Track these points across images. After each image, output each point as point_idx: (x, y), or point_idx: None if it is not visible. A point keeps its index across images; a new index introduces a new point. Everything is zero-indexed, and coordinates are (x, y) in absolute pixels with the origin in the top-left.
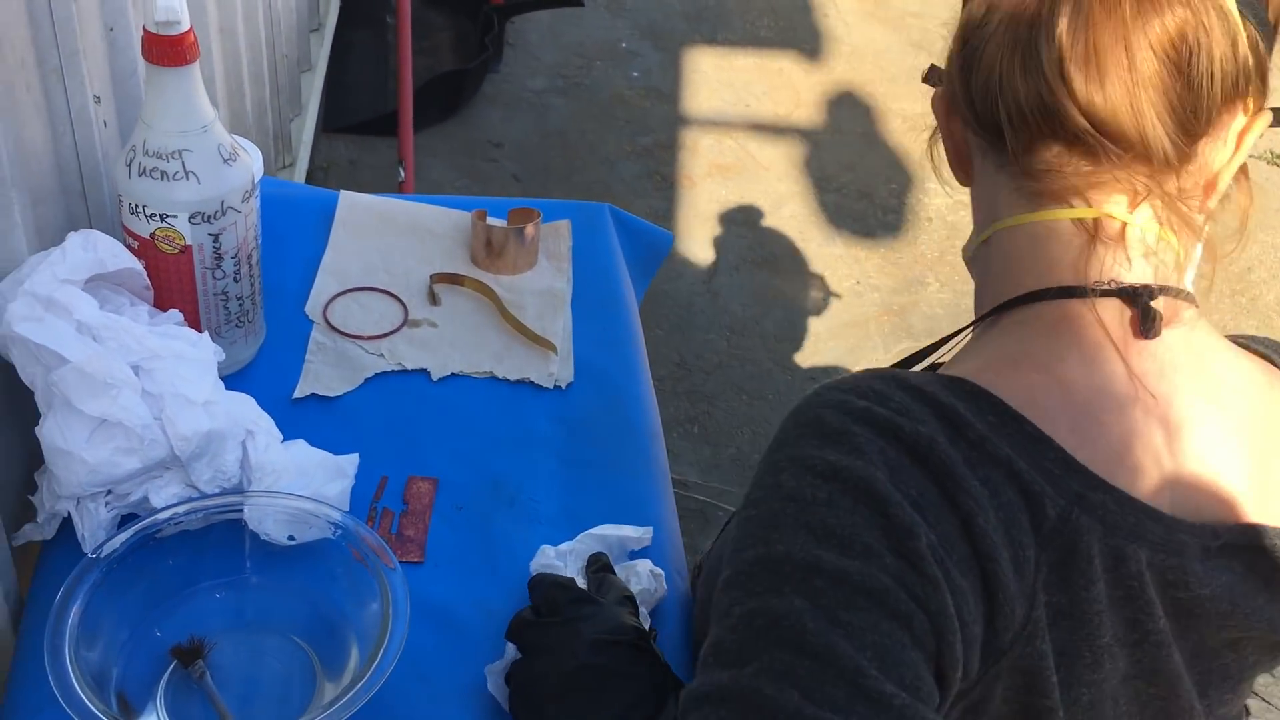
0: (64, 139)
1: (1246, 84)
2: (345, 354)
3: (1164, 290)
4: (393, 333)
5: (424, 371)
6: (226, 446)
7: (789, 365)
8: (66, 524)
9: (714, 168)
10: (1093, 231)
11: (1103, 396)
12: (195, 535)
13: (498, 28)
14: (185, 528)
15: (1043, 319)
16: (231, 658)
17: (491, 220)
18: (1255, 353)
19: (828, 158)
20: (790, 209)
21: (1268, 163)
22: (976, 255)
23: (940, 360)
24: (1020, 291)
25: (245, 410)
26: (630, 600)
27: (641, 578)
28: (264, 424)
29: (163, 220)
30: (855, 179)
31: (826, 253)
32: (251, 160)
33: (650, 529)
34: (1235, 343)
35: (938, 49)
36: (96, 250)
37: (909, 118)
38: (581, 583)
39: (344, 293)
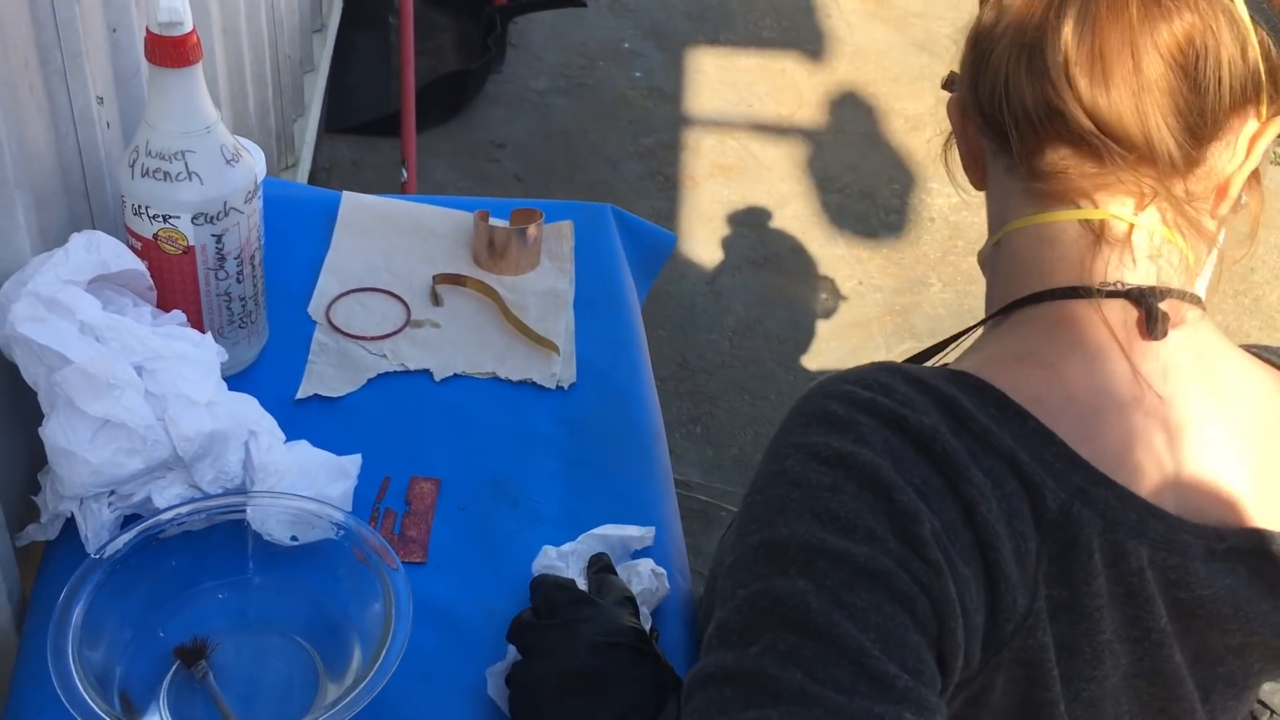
0: (67, 140)
1: (1257, 90)
2: (348, 354)
3: (1170, 292)
4: (395, 333)
5: (426, 372)
6: (229, 447)
7: (791, 366)
8: (70, 524)
9: (716, 168)
10: (1099, 232)
11: (1106, 395)
12: (198, 536)
13: (500, 28)
14: (188, 528)
15: (1048, 318)
16: (234, 658)
17: (494, 221)
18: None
19: (830, 158)
20: (793, 209)
21: (1270, 162)
22: (989, 258)
23: (946, 360)
24: (1026, 291)
25: (248, 411)
26: (630, 601)
27: (643, 577)
28: (267, 424)
29: (166, 221)
30: (858, 179)
31: (829, 253)
32: (254, 161)
33: (652, 529)
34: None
35: (941, 49)
36: (99, 251)
37: (911, 118)
38: (582, 583)
39: (347, 293)
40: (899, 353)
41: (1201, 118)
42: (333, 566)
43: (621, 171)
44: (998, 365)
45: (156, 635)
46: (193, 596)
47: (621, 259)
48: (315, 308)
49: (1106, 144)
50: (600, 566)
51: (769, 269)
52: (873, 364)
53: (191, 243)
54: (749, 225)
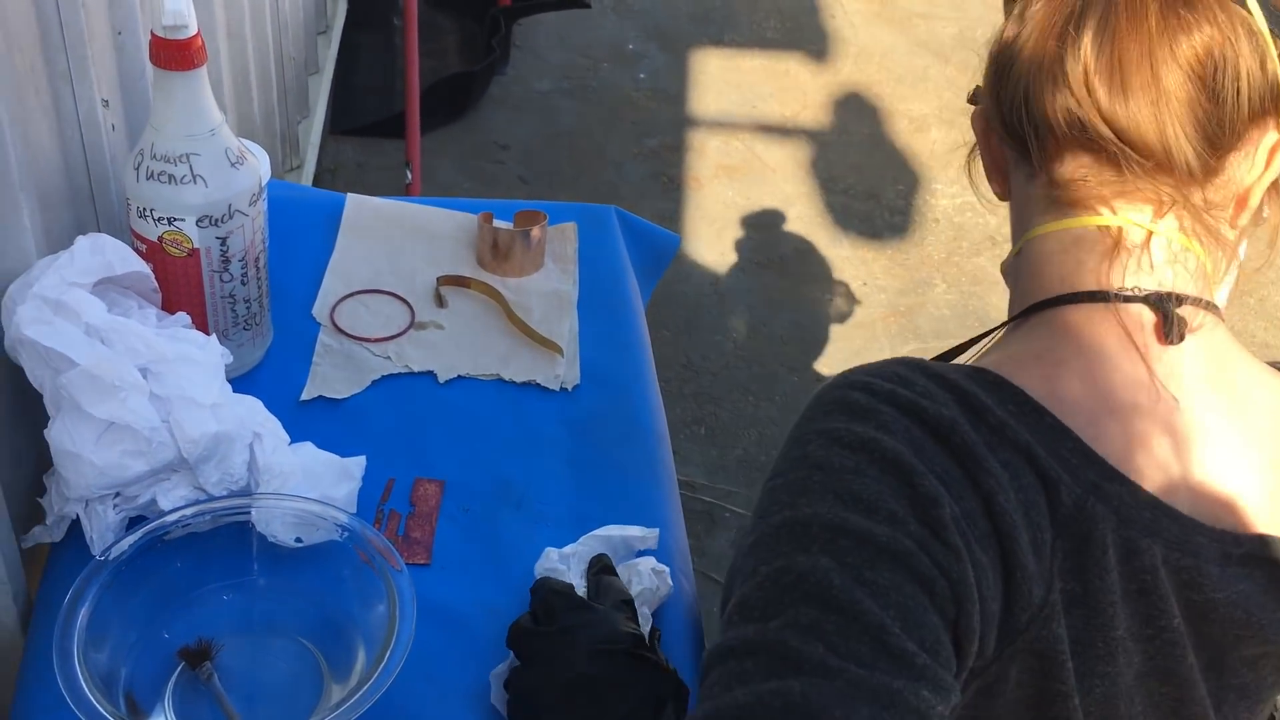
0: (72, 143)
1: (1275, 101)
2: (352, 356)
3: (1187, 299)
4: (399, 335)
5: (430, 374)
6: (234, 449)
7: (796, 367)
8: (75, 526)
9: (721, 169)
10: (1117, 239)
11: (1122, 397)
12: (203, 537)
13: (504, 30)
14: (193, 530)
15: (1066, 321)
16: (239, 659)
17: (498, 223)
18: None
19: (834, 159)
20: (797, 210)
21: None
22: (1011, 266)
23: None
24: (1046, 295)
25: (253, 413)
26: (629, 604)
27: (643, 576)
28: (271, 426)
29: (170, 223)
30: (862, 180)
31: (833, 254)
32: (259, 163)
33: (656, 530)
34: (1273, 366)
35: (946, 50)
36: (104, 253)
37: (915, 119)
38: (583, 585)
39: (351, 295)
40: (904, 354)
41: (1220, 128)
42: (337, 568)
43: (626, 173)
44: (1016, 364)
45: (161, 637)
46: (197, 598)
47: (625, 261)
48: (320, 310)
49: (1125, 152)
50: (600, 568)
51: (773, 270)
52: (892, 358)
53: (196, 245)
54: (753, 226)
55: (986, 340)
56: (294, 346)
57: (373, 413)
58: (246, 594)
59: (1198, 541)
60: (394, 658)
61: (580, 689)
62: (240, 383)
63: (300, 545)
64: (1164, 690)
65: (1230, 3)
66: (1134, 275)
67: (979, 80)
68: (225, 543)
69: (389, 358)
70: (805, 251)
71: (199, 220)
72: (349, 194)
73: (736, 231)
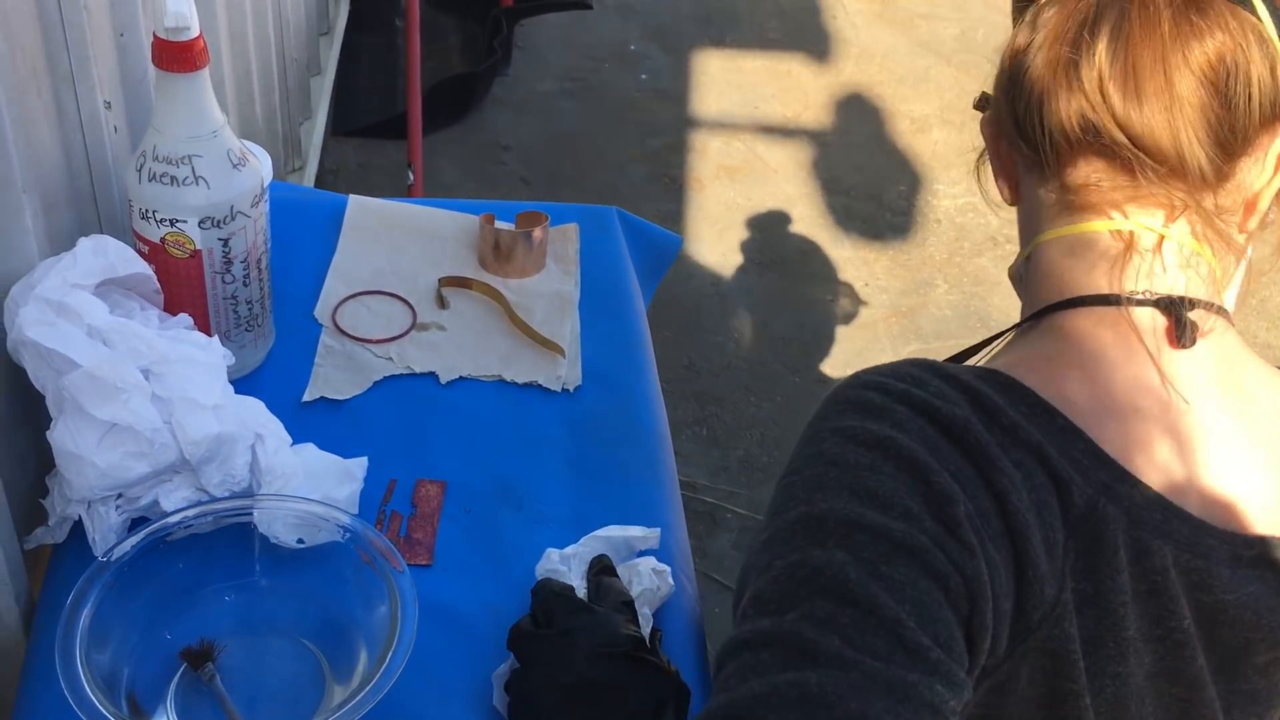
0: (75, 144)
1: None
2: (354, 357)
3: (1198, 303)
4: (401, 336)
5: (432, 375)
6: (236, 450)
7: (797, 367)
8: (77, 527)
9: (722, 170)
10: (1129, 243)
11: (1133, 399)
12: (205, 538)
13: (506, 31)
14: (195, 531)
15: (1078, 324)
16: (241, 660)
17: (499, 224)
18: None
19: (836, 160)
20: (799, 211)
21: None
22: (1020, 271)
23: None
24: (1058, 298)
25: (254, 414)
26: (629, 606)
27: (643, 577)
28: (273, 427)
29: (173, 225)
30: (864, 181)
31: (835, 255)
32: (261, 165)
33: (657, 530)
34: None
35: (947, 51)
36: (107, 255)
37: (917, 119)
38: (583, 587)
39: (353, 296)
40: (905, 354)
41: (1232, 133)
42: (339, 569)
43: (628, 174)
44: (1027, 366)
45: (163, 638)
46: (199, 599)
47: (627, 262)
48: (321, 311)
49: (1139, 157)
50: (599, 569)
51: (775, 271)
52: (905, 360)
53: (198, 246)
54: (755, 227)
55: (997, 342)
56: (296, 347)
57: (374, 414)
58: (248, 595)
59: (1208, 543)
60: (396, 659)
61: (580, 692)
62: (242, 384)
63: (302, 546)
64: (1173, 691)
65: (1240, 10)
66: (1146, 279)
67: (983, 84)
68: (227, 544)
69: (391, 359)
70: (807, 252)
71: (201, 222)
72: (351, 195)
73: (738, 232)
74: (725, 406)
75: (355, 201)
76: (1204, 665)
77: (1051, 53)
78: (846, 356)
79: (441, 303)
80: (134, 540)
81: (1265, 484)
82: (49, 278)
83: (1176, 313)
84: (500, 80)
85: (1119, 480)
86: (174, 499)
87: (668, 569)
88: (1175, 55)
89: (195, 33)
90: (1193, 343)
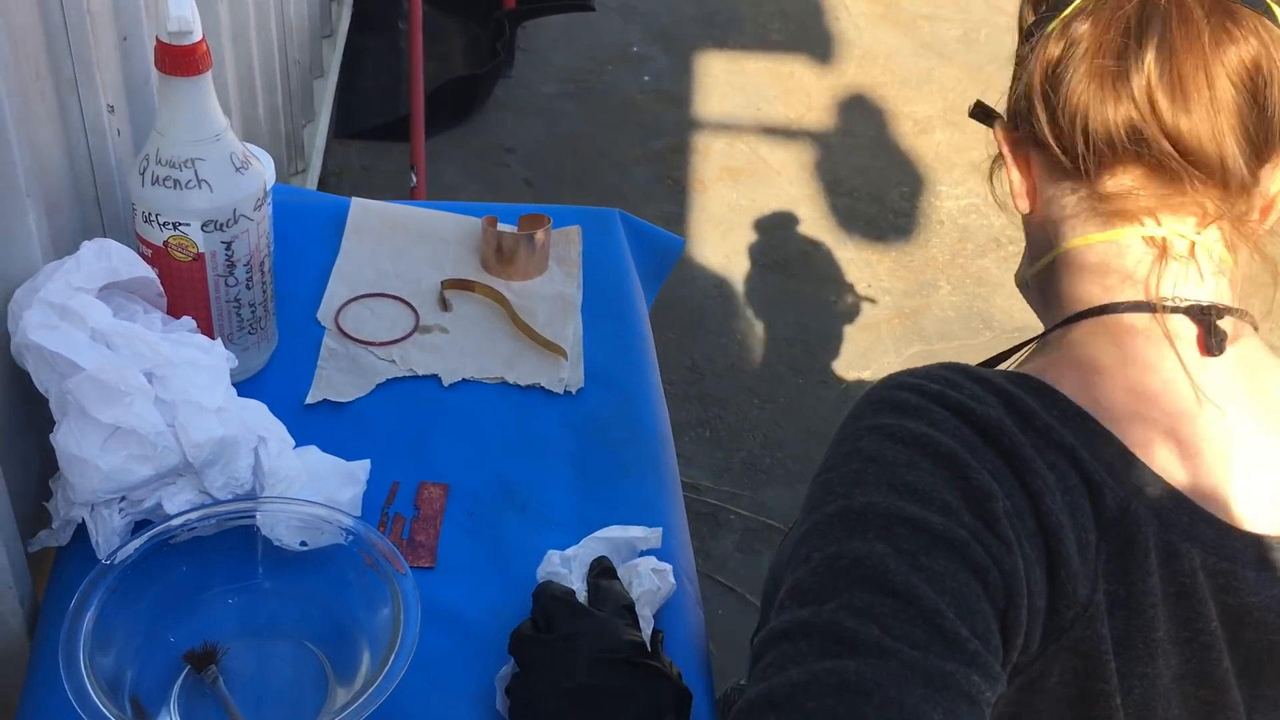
0: (78, 148)
1: None
2: (357, 360)
3: (1227, 310)
4: (404, 339)
5: (435, 377)
6: (239, 453)
7: (800, 369)
8: (81, 530)
9: (725, 171)
10: (1163, 249)
11: (1163, 404)
12: (208, 541)
13: (509, 33)
14: (198, 534)
15: (1110, 330)
16: (244, 663)
17: (502, 226)
18: None
19: (839, 161)
20: (801, 212)
21: None
22: (1038, 277)
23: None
24: (1090, 304)
25: (258, 417)
26: (630, 610)
27: (644, 577)
28: (276, 430)
29: (176, 228)
30: (866, 182)
31: (838, 256)
32: (263, 168)
33: (659, 529)
34: None
35: (950, 52)
36: (110, 258)
37: (920, 120)
38: (583, 589)
39: (356, 299)
40: (908, 356)
41: (1264, 138)
42: (342, 571)
43: (630, 175)
44: (1059, 371)
45: (167, 640)
46: (203, 602)
47: (629, 264)
48: (324, 313)
49: (1185, 166)
50: (599, 571)
51: (778, 272)
52: (937, 364)
53: (201, 250)
54: (758, 229)
55: (1026, 348)
56: (299, 350)
57: (377, 416)
58: (251, 597)
59: (1234, 546)
60: (398, 661)
61: (582, 698)
62: (245, 387)
63: (305, 549)
64: (1199, 694)
65: (1266, 20)
66: (1178, 286)
67: (986, 86)
68: (230, 546)
69: (393, 361)
70: (810, 254)
71: (204, 225)
72: (354, 198)
73: (741, 234)
74: (728, 408)
75: (358, 204)
76: (1229, 668)
77: (1095, 63)
78: (850, 358)
79: (444, 305)
80: (137, 543)
81: None
82: (52, 281)
83: (1207, 320)
84: (503, 82)
85: (1150, 484)
86: (177, 502)
87: (668, 568)
88: (1215, 63)
89: (198, 37)
90: (1222, 350)
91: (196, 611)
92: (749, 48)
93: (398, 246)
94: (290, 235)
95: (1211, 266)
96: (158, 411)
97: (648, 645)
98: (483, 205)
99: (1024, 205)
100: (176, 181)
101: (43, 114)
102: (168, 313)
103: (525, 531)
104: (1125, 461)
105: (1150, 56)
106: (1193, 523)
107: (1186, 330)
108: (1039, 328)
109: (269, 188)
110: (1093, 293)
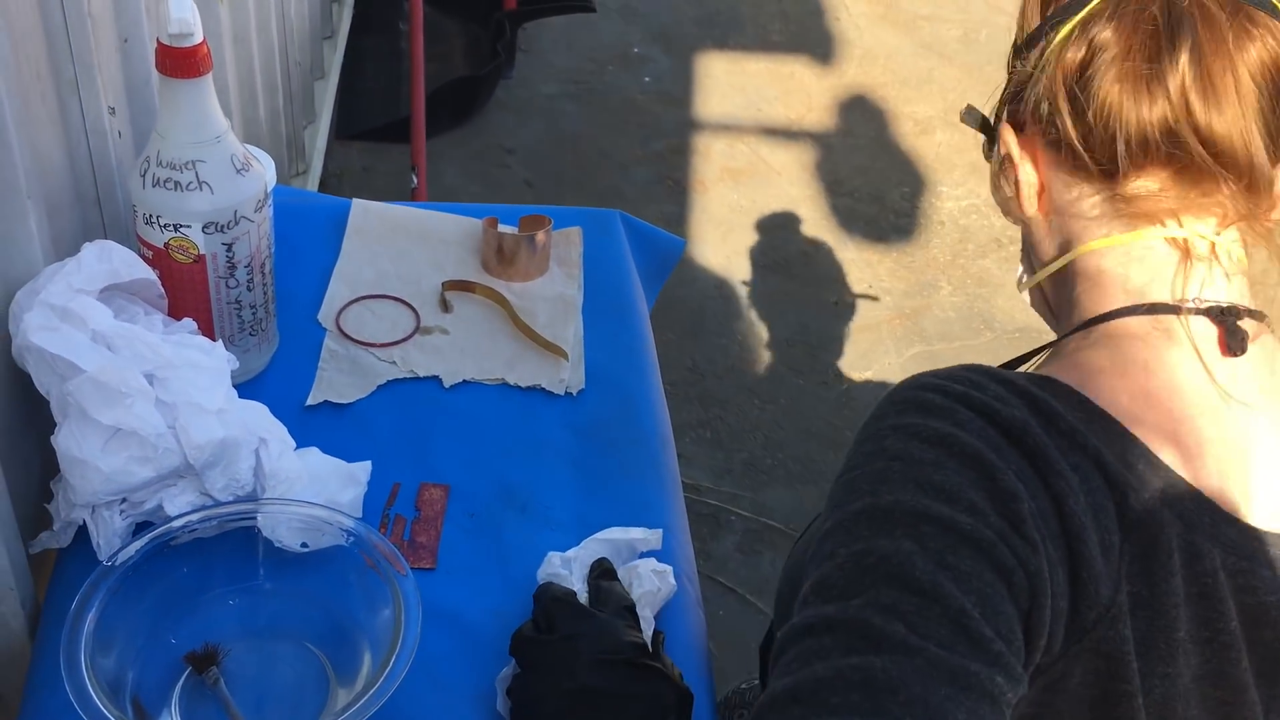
0: (79, 150)
1: None
2: (358, 361)
3: (1250, 311)
4: (405, 340)
5: (436, 378)
6: (240, 454)
7: (801, 369)
8: (82, 532)
9: (726, 172)
10: (1185, 250)
11: (1186, 405)
12: (209, 543)
13: (510, 34)
14: (199, 535)
15: (1130, 332)
16: (245, 664)
17: (503, 227)
18: None
19: (840, 161)
20: (802, 213)
21: None
22: (1050, 280)
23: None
24: (1111, 306)
25: (258, 418)
26: (630, 611)
27: (644, 578)
28: (277, 432)
29: (176, 230)
30: (867, 183)
31: (838, 257)
32: (264, 170)
33: (659, 530)
34: None
35: (950, 52)
36: (111, 260)
37: (920, 121)
38: (583, 590)
39: (356, 300)
40: (909, 356)
41: (1279, 137)
42: (343, 573)
43: (631, 176)
44: (1082, 373)
45: (168, 642)
46: (204, 603)
47: (630, 265)
48: (325, 315)
49: (1217, 168)
50: (599, 572)
51: (778, 273)
52: (960, 365)
53: (202, 251)
54: (758, 229)
55: (1046, 350)
56: (300, 352)
57: (378, 418)
58: (253, 599)
59: (1253, 546)
60: (399, 662)
61: (582, 699)
62: (246, 388)
63: (306, 550)
64: (1217, 694)
65: (1276, 20)
66: (1199, 286)
67: (986, 86)
68: (231, 548)
69: (394, 363)
70: (810, 254)
71: (205, 227)
72: (354, 199)
73: (741, 234)
74: (729, 409)
75: (359, 205)
76: (1247, 668)
77: (1126, 66)
78: (850, 358)
79: (445, 306)
80: (138, 545)
81: None
82: (53, 283)
83: (1228, 321)
84: (503, 83)
85: (1172, 485)
86: (178, 503)
87: (669, 569)
88: (1240, 64)
89: (198, 39)
90: (1244, 351)
91: (197, 613)
92: (749, 48)
93: (398, 248)
94: (291, 237)
95: (1231, 267)
96: (158, 413)
97: (649, 646)
98: (483, 206)
99: (1032, 208)
100: (177, 183)
101: (44, 116)
102: (168, 314)
103: (526, 532)
104: (1148, 463)
105: (1184, 58)
106: (1214, 523)
107: (1207, 330)
108: (1041, 328)
109: (270, 189)
110: (1114, 295)
